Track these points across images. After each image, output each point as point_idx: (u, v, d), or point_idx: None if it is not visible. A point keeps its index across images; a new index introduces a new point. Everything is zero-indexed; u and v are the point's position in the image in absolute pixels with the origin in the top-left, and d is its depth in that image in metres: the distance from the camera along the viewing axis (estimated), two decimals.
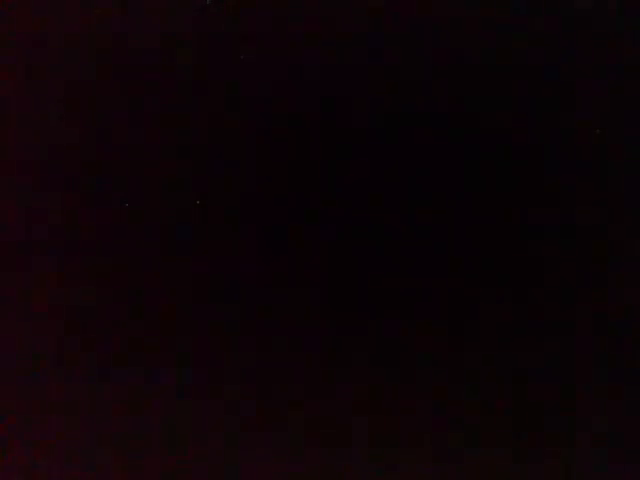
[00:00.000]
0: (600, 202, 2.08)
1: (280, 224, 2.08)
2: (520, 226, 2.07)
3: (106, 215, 2.09)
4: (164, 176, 2.10)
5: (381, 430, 2.05)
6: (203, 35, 2.10)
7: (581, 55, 2.09)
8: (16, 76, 2.12)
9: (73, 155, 2.10)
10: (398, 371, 2.06)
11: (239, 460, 2.06)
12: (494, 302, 2.06)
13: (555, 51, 2.09)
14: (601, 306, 2.05)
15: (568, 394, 2.04)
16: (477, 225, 2.07)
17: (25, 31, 2.12)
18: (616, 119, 2.09)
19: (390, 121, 2.09)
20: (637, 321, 2.05)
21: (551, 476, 2.03)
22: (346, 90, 2.09)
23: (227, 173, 2.09)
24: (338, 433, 2.05)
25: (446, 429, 2.05)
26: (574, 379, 2.04)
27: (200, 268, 2.08)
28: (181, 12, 2.10)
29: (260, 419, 2.06)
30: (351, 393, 2.06)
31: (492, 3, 2.09)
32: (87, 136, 2.11)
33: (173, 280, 2.08)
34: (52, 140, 2.11)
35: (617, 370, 2.04)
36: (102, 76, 2.10)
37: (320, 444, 2.05)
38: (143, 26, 2.10)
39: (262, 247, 2.08)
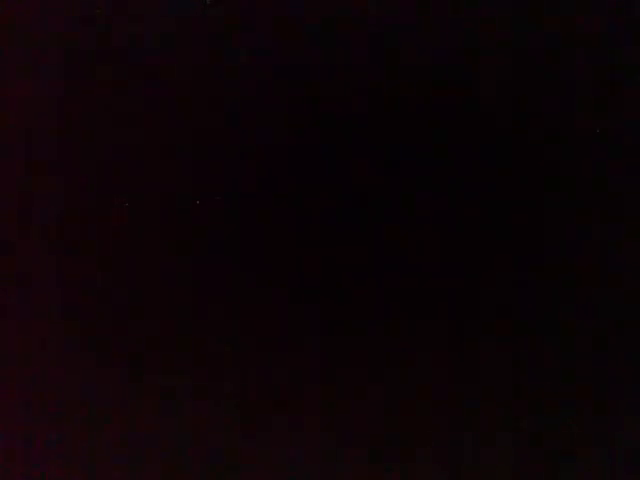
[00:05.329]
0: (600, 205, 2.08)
1: (280, 224, 2.08)
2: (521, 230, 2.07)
3: (106, 215, 2.09)
4: (164, 176, 2.10)
5: (381, 430, 2.05)
6: (203, 35, 2.10)
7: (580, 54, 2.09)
8: (15, 75, 2.12)
9: (73, 155, 2.10)
10: (399, 371, 2.06)
11: (238, 460, 2.06)
12: (495, 303, 2.06)
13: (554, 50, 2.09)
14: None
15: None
16: (478, 225, 2.07)
17: (23, 30, 2.12)
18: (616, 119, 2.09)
19: (391, 121, 2.09)
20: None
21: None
22: (347, 89, 2.09)
23: (227, 173, 2.10)
24: (338, 433, 2.06)
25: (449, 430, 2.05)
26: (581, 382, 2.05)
27: (200, 268, 2.08)
28: (181, 12, 2.11)
29: (259, 420, 2.06)
30: (352, 393, 2.06)
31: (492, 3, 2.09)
32: (87, 136, 2.11)
33: (173, 280, 2.08)
34: (52, 140, 2.11)
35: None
36: (102, 76, 2.11)
37: (319, 444, 2.06)
38: (143, 26, 2.11)
39: (262, 247, 2.08)
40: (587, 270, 2.07)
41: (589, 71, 2.08)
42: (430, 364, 2.06)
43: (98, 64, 2.11)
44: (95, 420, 2.07)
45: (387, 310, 2.06)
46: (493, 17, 2.09)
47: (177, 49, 2.10)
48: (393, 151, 2.08)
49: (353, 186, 2.08)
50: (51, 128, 2.11)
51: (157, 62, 2.10)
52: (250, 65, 2.10)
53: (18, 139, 2.11)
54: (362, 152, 2.08)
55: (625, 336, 2.05)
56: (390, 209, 2.08)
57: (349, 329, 2.07)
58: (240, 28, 2.10)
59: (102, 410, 2.07)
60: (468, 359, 2.06)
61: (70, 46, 2.11)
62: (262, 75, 2.10)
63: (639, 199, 2.07)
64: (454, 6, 2.08)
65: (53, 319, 2.08)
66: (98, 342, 2.07)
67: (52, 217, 2.10)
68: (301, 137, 2.09)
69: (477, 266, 2.07)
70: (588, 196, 2.07)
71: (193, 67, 2.10)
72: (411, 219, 2.07)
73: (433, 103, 2.08)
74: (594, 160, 2.07)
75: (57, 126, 2.11)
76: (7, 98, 2.11)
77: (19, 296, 2.09)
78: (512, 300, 2.06)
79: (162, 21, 2.11)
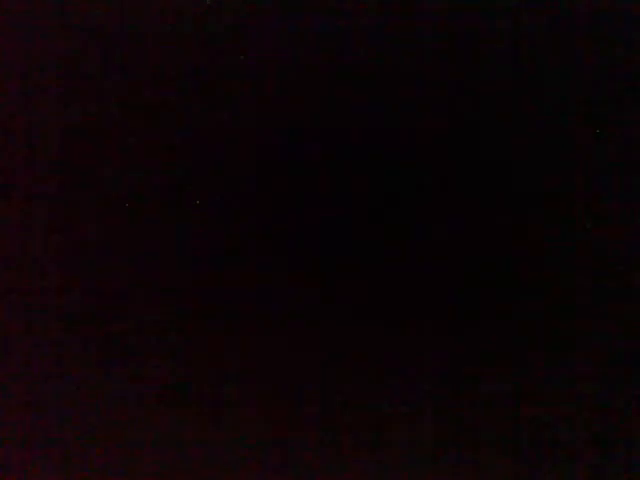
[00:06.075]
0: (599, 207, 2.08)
1: (280, 224, 2.08)
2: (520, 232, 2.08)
3: (106, 215, 2.09)
4: (164, 176, 2.10)
5: (381, 430, 2.06)
6: (203, 35, 2.10)
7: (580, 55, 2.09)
8: (15, 75, 2.12)
9: (73, 155, 2.10)
10: (399, 370, 2.06)
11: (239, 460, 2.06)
12: (496, 304, 2.06)
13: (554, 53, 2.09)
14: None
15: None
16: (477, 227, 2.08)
17: (23, 29, 2.12)
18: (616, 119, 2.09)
19: (392, 123, 2.09)
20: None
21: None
22: (347, 90, 2.09)
23: (227, 173, 2.10)
24: (338, 434, 2.06)
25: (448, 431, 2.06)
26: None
27: (200, 268, 2.08)
28: (181, 12, 2.10)
29: (259, 420, 2.06)
30: (352, 393, 2.06)
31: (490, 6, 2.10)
32: (87, 136, 2.11)
33: (173, 280, 2.08)
34: (52, 140, 2.11)
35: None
36: (101, 76, 2.11)
37: (320, 445, 2.06)
38: (143, 26, 2.11)
39: (262, 247, 2.08)
40: (586, 270, 2.07)
41: (589, 71, 2.09)
42: (429, 364, 2.06)
43: (97, 64, 2.11)
44: (95, 420, 2.07)
45: (386, 311, 2.07)
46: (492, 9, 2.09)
47: (177, 49, 2.10)
48: (390, 155, 2.09)
49: (352, 186, 2.08)
50: (50, 128, 2.11)
51: (157, 62, 2.10)
52: (250, 65, 2.10)
53: (18, 139, 2.11)
54: (360, 153, 2.09)
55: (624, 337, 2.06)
56: (386, 211, 2.08)
57: (348, 329, 2.07)
58: (240, 28, 2.10)
59: (102, 410, 2.07)
60: (468, 359, 2.06)
61: (70, 46, 2.11)
62: (262, 75, 2.10)
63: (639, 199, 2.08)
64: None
65: (53, 318, 2.08)
66: (98, 342, 2.07)
67: (52, 217, 2.10)
68: (301, 137, 2.09)
69: (477, 266, 2.07)
70: (588, 196, 2.08)
71: (193, 67, 2.10)
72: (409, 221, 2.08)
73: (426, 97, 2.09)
74: (594, 161, 2.08)
75: (56, 126, 2.11)
76: (7, 98, 2.11)
77: (18, 297, 2.09)
78: (511, 301, 2.06)
79: (162, 21, 2.11)
